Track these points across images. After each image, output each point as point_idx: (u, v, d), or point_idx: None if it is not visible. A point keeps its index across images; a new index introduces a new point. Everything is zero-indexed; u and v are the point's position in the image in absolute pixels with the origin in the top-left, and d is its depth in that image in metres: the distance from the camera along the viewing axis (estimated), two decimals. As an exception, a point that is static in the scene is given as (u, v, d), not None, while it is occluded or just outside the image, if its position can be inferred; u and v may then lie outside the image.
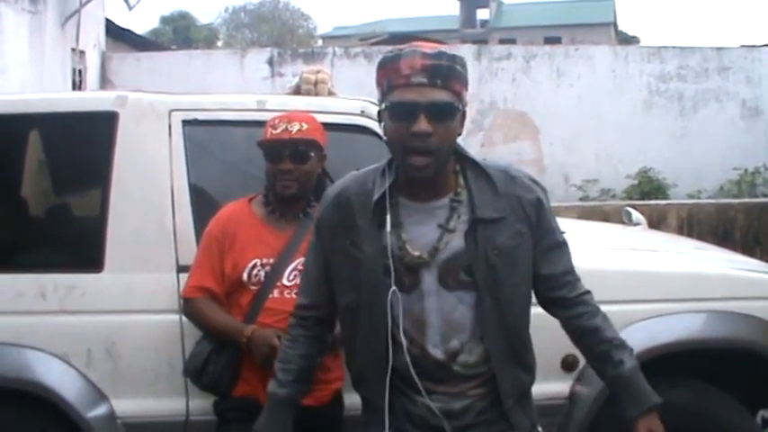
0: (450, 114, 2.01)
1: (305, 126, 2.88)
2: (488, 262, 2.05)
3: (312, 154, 2.90)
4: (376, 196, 2.09)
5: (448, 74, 1.99)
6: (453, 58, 2.02)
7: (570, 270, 2.21)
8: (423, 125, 1.96)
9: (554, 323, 2.26)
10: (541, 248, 2.14)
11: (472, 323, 2.08)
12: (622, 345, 2.18)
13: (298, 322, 2.31)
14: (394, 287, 2.05)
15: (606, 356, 2.16)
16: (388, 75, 2.02)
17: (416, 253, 2.06)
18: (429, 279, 2.07)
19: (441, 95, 1.98)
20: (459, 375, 2.09)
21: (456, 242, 2.07)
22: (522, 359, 2.15)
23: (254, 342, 2.77)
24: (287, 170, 2.86)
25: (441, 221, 2.07)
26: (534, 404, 2.24)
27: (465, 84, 2.05)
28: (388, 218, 2.07)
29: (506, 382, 2.10)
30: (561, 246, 2.19)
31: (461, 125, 2.07)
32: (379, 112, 2.10)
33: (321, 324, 2.30)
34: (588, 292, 2.22)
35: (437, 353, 2.08)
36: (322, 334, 2.32)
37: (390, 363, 2.08)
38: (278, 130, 2.87)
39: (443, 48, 2.03)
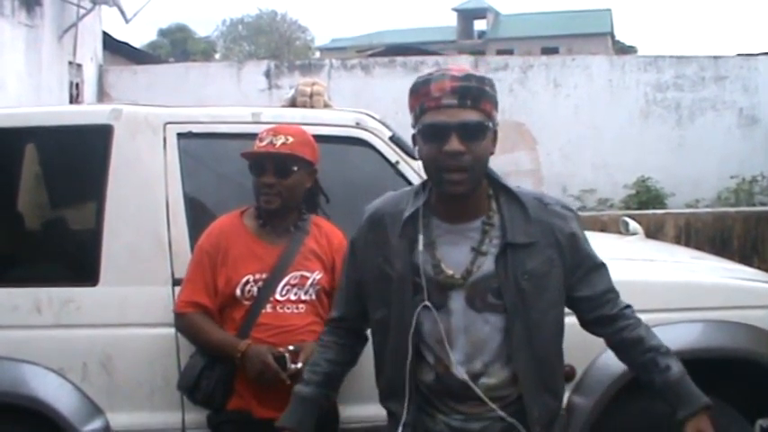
0: (480, 133, 2.05)
1: (290, 140, 2.86)
2: (518, 286, 2.08)
3: (296, 168, 2.88)
4: (407, 214, 2.14)
5: (477, 95, 2.04)
6: (482, 79, 2.07)
7: (611, 289, 2.23)
8: (455, 144, 2.01)
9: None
10: (580, 274, 2.17)
11: (497, 345, 2.10)
12: (667, 352, 2.21)
13: (331, 330, 2.38)
14: (426, 302, 2.09)
15: (652, 364, 2.19)
16: (420, 99, 2.07)
17: (450, 272, 2.09)
18: (457, 299, 2.10)
19: (471, 116, 2.03)
20: (481, 397, 2.10)
21: (487, 265, 2.10)
22: (550, 385, 2.16)
23: (249, 358, 2.77)
24: (269, 184, 2.85)
25: (473, 244, 2.11)
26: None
27: (495, 104, 2.09)
28: (421, 237, 2.12)
29: (535, 408, 2.11)
30: (599, 267, 2.22)
31: (493, 144, 2.10)
32: (413, 135, 2.13)
33: (352, 333, 2.37)
34: (629, 306, 2.24)
35: (460, 372, 2.10)
36: (354, 343, 2.39)
37: (415, 380, 2.13)
38: (263, 143, 2.87)
39: (472, 70, 2.09)
